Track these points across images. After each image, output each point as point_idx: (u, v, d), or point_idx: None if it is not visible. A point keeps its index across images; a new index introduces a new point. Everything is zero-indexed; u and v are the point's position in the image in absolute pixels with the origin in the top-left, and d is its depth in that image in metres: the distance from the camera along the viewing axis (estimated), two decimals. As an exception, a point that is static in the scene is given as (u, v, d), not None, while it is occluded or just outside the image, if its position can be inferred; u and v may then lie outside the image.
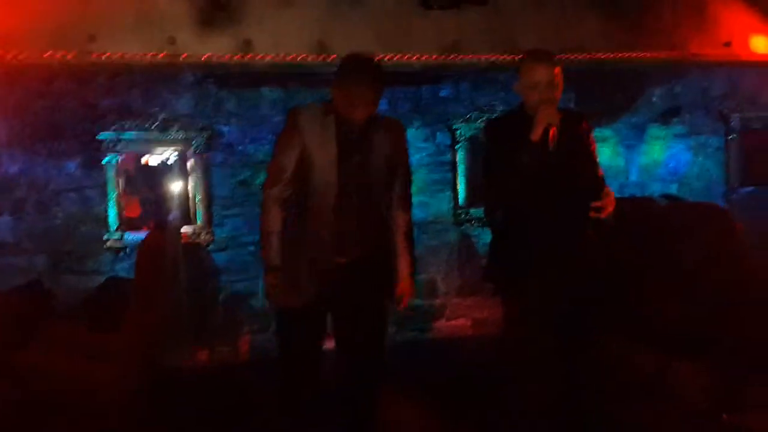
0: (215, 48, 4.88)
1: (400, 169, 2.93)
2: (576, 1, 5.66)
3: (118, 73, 4.85)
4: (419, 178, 5.62)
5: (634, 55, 5.59)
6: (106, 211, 4.91)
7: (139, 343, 3.56)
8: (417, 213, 5.59)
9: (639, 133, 6.09)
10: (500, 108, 5.47)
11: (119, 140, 4.92)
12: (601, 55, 5.54)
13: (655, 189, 6.02)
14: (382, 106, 5.36)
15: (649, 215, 4.64)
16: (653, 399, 3.54)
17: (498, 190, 3.01)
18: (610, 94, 5.92)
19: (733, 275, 3.97)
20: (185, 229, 5.03)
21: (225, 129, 5.15)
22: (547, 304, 2.90)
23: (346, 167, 2.77)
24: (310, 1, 5.18)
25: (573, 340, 2.96)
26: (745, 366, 3.48)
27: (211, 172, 5.11)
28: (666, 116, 6.10)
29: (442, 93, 5.66)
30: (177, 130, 5.02)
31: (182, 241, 4.81)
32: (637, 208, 4.71)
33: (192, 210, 5.13)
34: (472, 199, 5.64)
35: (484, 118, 5.47)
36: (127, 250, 4.85)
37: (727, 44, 5.94)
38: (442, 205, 5.70)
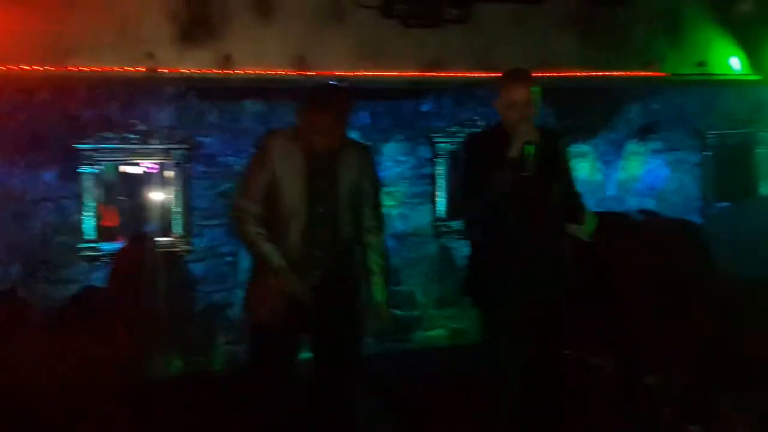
0: (195, 63, 4.90)
1: (369, 194, 2.95)
2: (554, 19, 5.75)
3: (97, 85, 4.85)
4: (400, 191, 5.69)
5: (611, 73, 5.68)
6: (82, 220, 4.89)
7: (115, 352, 3.53)
8: (397, 225, 5.69)
9: (617, 148, 6.19)
10: (481, 123, 5.53)
11: (98, 151, 4.91)
12: (579, 73, 5.62)
13: (633, 204, 6.10)
14: (364, 120, 5.55)
15: (625, 230, 4.70)
16: (622, 411, 3.57)
17: (476, 205, 3.04)
18: (588, 110, 6.01)
19: (704, 291, 4.03)
20: (164, 240, 5.02)
21: (206, 141, 5.16)
22: (521, 316, 2.93)
23: (314, 193, 2.79)
24: (290, 16, 5.22)
25: (545, 353, 2.99)
26: (711, 378, 3.52)
27: (191, 183, 5.11)
28: (643, 132, 6.20)
29: (424, 108, 5.73)
30: (157, 142, 5.02)
31: (160, 251, 4.79)
32: (613, 223, 4.77)
33: (171, 220, 5.11)
34: (451, 212, 5.68)
35: (464, 133, 5.53)
36: (104, 259, 4.82)
37: (701, 64, 6.04)
38: (422, 217, 5.75)
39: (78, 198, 4.89)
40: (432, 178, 5.73)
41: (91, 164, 4.91)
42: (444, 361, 5.06)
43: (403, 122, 5.68)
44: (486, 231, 3.05)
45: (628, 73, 5.72)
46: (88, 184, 4.90)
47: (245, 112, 5.19)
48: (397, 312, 5.63)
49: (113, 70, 4.70)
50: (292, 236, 2.79)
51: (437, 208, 5.73)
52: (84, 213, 4.89)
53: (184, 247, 5.06)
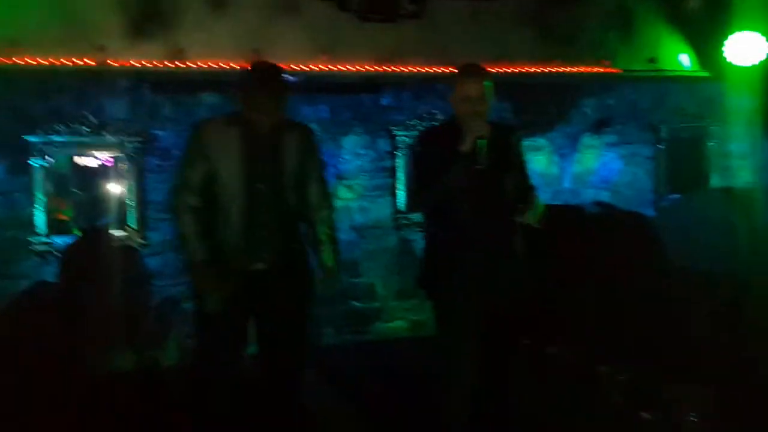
0: (146, 55, 4.82)
1: (312, 172, 2.96)
2: (508, 15, 5.80)
3: (47, 78, 4.74)
4: (360, 183, 5.70)
5: (565, 68, 5.76)
6: (33, 214, 4.79)
7: (68, 347, 3.48)
8: (357, 218, 5.71)
9: (573, 142, 6.29)
10: (440, 116, 5.56)
11: (49, 143, 4.81)
12: (532, 68, 5.69)
13: (588, 196, 6.22)
14: (323, 113, 5.54)
15: (578, 222, 4.79)
16: (576, 398, 3.65)
17: (429, 199, 3.07)
18: (544, 105, 6.10)
19: (655, 283, 4.13)
20: (118, 234, 4.95)
21: (160, 134, 5.10)
22: (475, 308, 2.97)
23: (253, 176, 2.79)
24: (244, 8, 5.17)
25: (498, 343, 3.03)
26: (663, 367, 3.62)
27: (146, 177, 5.04)
28: (598, 126, 6.32)
29: (383, 101, 5.74)
30: (110, 134, 4.95)
31: (114, 245, 4.72)
32: (567, 215, 4.85)
33: (126, 214, 5.03)
34: (411, 204, 5.72)
35: (424, 126, 5.56)
36: (55, 253, 4.73)
37: (652, 60, 6.17)
38: (382, 210, 5.78)
39: (29, 191, 4.79)
40: (392, 171, 5.76)
41: (43, 157, 4.81)
42: (403, 353, 5.09)
43: (363, 116, 5.69)
44: (440, 224, 3.09)
45: (582, 68, 5.81)
46: (39, 177, 4.80)
47: (200, 105, 5.12)
48: (357, 304, 5.69)
49: (62, 62, 4.57)
50: (235, 221, 2.78)
51: (397, 201, 5.76)
52: (35, 206, 4.79)
53: (139, 241, 4.99)
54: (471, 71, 3.03)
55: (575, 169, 6.28)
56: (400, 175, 5.74)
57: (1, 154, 4.78)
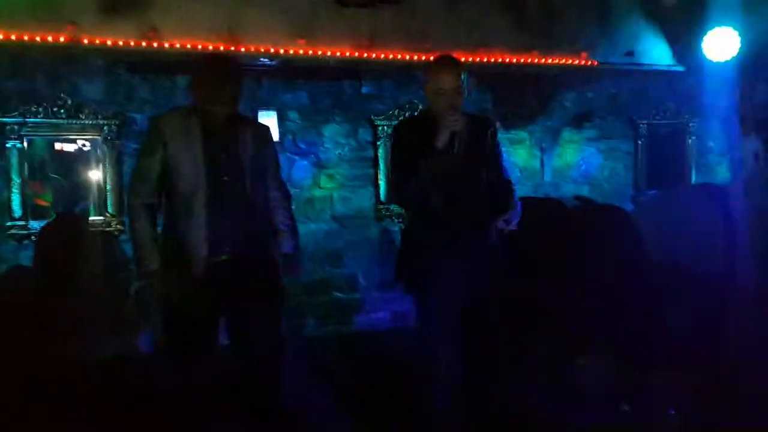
0: (119, 34, 4.69)
1: (269, 163, 2.97)
2: (487, 4, 5.78)
3: (18, 55, 4.62)
4: (340, 173, 5.67)
5: (542, 60, 5.77)
6: (9, 198, 4.69)
7: (44, 333, 3.42)
8: (338, 208, 5.69)
9: (553, 135, 6.31)
10: (420, 106, 5.55)
11: (24, 125, 4.71)
12: (509, 59, 5.68)
13: (568, 190, 6.26)
14: (302, 100, 5.49)
15: (557, 216, 4.82)
16: (556, 390, 3.67)
17: (405, 191, 3.07)
18: (524, 97, 6.12)
19: (633, 276, 4.17)
20: (96, 218, 4.87)
21: (137, 117, 5.00)
22: (451, 300, 2.98)
23: (213, 167, 2.77)
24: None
25: (475, 334, 3.04)
26: (642, 359, 3.66)
27: (123, 161, 4.95)
28: (578, 120, 6.35)
29: (364, 90, 5.71)
30: (87, 116, 4.86)
31: (91, 230, 4.65)
32: (547, 209, 4.88)
33: (104, 199, 4.95)
34: (388, 197, 5.69)
35: (405, 115, 5.56)
36: (32, 238, 4.64)
37: (629, 53, 6.21)
38: (363, 200, 5.75)
39: (5, 174, 4.69)
40: (373, 161, 5.73)
41: (18, 139, 4.71)
42: (386, 344, 5.09)
43: (343, 104, 5.65)
44: (416, 217, 3.09)
45: (559, 59, 5.82)
46: (14, 159, 4.69)
47: (178, 87, 5.03)
48: (339, 295, 5.67)
49: (33, 38, 4.45)
50: (195, 213, 2.76)
51: (379, 191, 5.74)
52: (11, 190, 4.69)
53: (117, 226, 4.91)
54: (444, 63, 3.02)
55: (556, 162, 6.31)
56: (382, 166, 5.71)
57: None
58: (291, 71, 5.32)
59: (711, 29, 5.47)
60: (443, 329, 3.02)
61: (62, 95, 4.81)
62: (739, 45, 5.33)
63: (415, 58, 5.34)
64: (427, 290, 3.03)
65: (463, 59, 3.41)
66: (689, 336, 3.82)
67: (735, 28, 5.35)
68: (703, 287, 4.06)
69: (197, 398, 2.86)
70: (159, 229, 2.88)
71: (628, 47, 6.22)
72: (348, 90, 5.66)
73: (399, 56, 5.37)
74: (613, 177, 6.56)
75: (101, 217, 4.91)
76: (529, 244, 3.88)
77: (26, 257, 4.61)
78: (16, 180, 4.69)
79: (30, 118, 4.72)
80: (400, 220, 5.64)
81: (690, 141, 6.78)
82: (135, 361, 4.42)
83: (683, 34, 6.16)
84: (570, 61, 5.83)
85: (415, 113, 3.61)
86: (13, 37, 4.39)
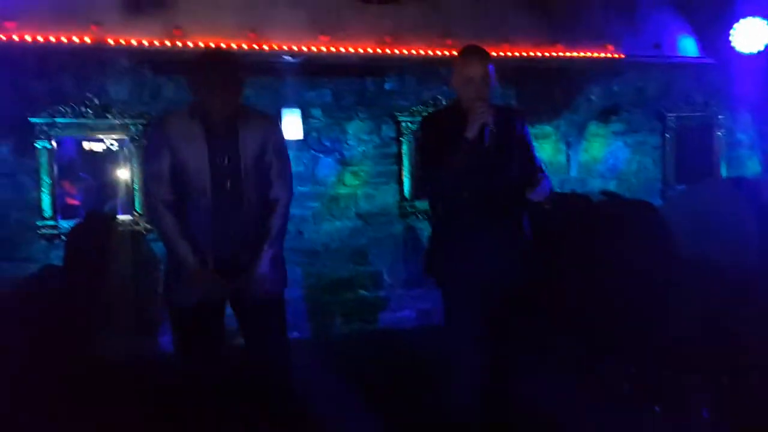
0: (144, 34, 4.73)
1: (275, 156, 2.90)
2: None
3: (45, 56, 4.68)
4: (364, 170, 5.67)
5: (568, 53, 5.70)
6: (39, 197, 4.76)
7: (73, 332, 3.47)
8: (362, 205, 5.69)
9: (579, 130, 6.24)
10: (444, 102, 5.52)
11: (53, 125, 4.77)
12: (534, 53, 5.63)
13: (595, 185, 6.19)
14: (326, 97, 5.49)
15: (585, 210, 4.76)
16: (584, 390, 3.63)
17: (434, 185, 3.04)
18: (548, 91, 6.05)
19: (664, 272, 4.10)
20: (124, 217, 4.92)
21: (163, 116, 5.04)
22: (480, 295, 2.95)
23: (218, 165, 2.76)
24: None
25: (503, 330, 3.02)
26: (672, 360, 3.60)
27: (151, 160, 4.99)
28: (605, 114, 6.27)
29: (387, 86, 5.70)
30: (113, 116, 4.91)
31: (120, 229, 4.70)
32: (574, 203, 4.83)
33: (133, 198, 5.01)
34: (417, 191, 5.69)
35: (428, 111, 5.53)
36: (62, 237, 4.71)
37: (657, 46, 6.11)
38: (387, 197, 5.74)
39: (35, 174, 4.76)
40: (397, 158, 5.72)
41: (47, 139, 4.78)
42: (410, 342, 5.08)
43: (367, 101, 5.64)
44: (446, 210, 3.05)
45: (585, 52, 5.74)
46: (44, 159, 4.76)
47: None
48: (364, 293, 5.68)
49: (59, 40, 4.50)
50: (203, 214, 2.76)
51: (403, 188, 5.72)
52: (41, 190, 4.76)
53: (145, 225, 4.95)
54: (472, 53, 2.99)
55: (582, 157, 6.25)
56: (406, 162, 5.70)
57: (5, 136, 4.74)
58: (314, 69, 5.33)
59: (739, 20, 5.37)
60: (470, 325, 2.99)
61: (89, 95, 4.87)
62: None
63: (439, 53, 5.31)
64: (455, 285, 2.99)
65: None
66: (721, 335, 3.75)
67: (764, 19, 5.24)
68: (735, 284, 3.98)
69: (207, 397, 2.87)
70: None
71: (655, 39, 6.14)
72: (371, 87, 5.65)
73: (422, 52, 5.34)
74: (641, 171, 6.48)
75: (129, 216, 4.96)
76: (556, 242, 3.84)
77: (56, 257, 4.68)
78: (46, 180, 4.77)
79: (58, 118, 4.79)
80: (425, 216, 5.62)
81: (719, 134, 6.67)
82: (160, 360, 4.46)
83: (711, 25, 6.06)
84: (595, 54, 5.76)
85: (443, 105, 3.56)
86: (40, 39, 4.44)
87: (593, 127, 6.29)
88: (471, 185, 2.90)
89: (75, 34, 4.54)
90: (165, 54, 4.76)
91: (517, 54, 5.54)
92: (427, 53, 5.35)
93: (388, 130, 5.71)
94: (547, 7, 5.78)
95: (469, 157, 2.84)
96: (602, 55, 5.80)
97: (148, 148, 2.90)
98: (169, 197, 2.76)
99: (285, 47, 4.99)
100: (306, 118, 5.38)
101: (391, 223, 5.74)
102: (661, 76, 6.39)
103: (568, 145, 6.19)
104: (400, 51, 5.31)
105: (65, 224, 4.74)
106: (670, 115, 6.45)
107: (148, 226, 4.94)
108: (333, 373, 4.25)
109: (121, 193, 5.06)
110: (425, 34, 5.42)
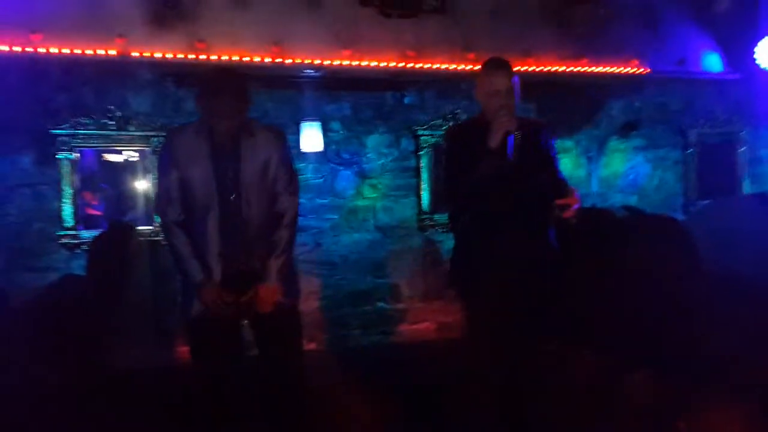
0: (168, 47, 4.79)
1: (281, 169, 2.88)
2: (532, 13, 5.73)
3: (69, 69, 4.74)
4: (383, 183, 5.67)
5: (591, 68, 5.68)
6: (61, 207, 4.80)
7: (94, 340, 3.47)
8: (381, 218, 5.68)
9: (600, 145, 6.21)
10: (464, 116, 5.52)
11: (74, 136, 4.82)
12: (558, 67, 5.61)
13: (616, 200, 6.14)
14: (345, 111, 5.51)
15: (607, 225, 4.71)
16: (606, 404, 3.57)
17: (458, 196, 3.02)
18: (570, 106, 6.02)
19: (687, 287, 4.04)
20: (144, 228, 4.94)
21: (185, 128, 5.08)
22: (504, 308, 2.91)
23: (222, 180, 2.76)
24: (266, 1, 5.14)
25: (526, 344, 2.97)
26: (695, 374, 3.54)
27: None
28: (626, 129, 6.24)
29: (406, 100, 5.71)
30: (135, 128, 4.95)
31: (141, 239, 4.71)
32: (596, 218, 4.78)
33: (151, 208, 5.03)
34: (435, 204, 5.68)
35: (447, 125, 5.52)
36: (83, 247, 4.74)
37: (681, 61, 6.07)
38: (406, 210, 5.73)
39: (56, 184, 4.81)
40: (416, 171, 5.72)
41: (69, 150, 4.82)
42: (430, 354, 5.04)
43: (386, 114, 5.66)
44: (469, 222, 3.02)
45: (609, 67, 5.72)
46: (66, 170, 4.81)
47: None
48: (383, 305, 5.65)
49: (84, 53, 4.56)
50: (210, 229, 2.75)
51: (422, 201, 5.71)
52: (63, 200, 4.80)
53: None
54: (497, 65, 2.97)
55: (603, 172, 6.20)
56: (425, 175, 5.70)
57: (28, 147, 4.79)
58: (335, 82, 5.35)
59: (764, 37, 5.33)
60: (496, 337, 2.94)
61: (111, 107, 4.92)
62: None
63: (461, 67, 5.31)
64: (478, 297, 2.96)
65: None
66: (746, 352, 3.68)
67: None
68: (760, 300, 3.91)
69: (224, 407, 2.85)
70: None
71: (680, 55, 6.10)
72: (390, 100, 5.67)
73: (443, 66, 5.35)
74: (663, 187, 6.42)
75: (149, 227, 4.98)
76: (582, 256, 3.80)
77: (78, 266, 4.70)
78: (67, 190, 4.81)
79: (80, 130, 4.84)
80: (444, 229, 5.60)
81: (741, 150, 6.60)
82: (178, 369, 4.46)
83: (735, 41, 6.02)
84: (621, 69, 5.73)
85: (468, 118, 3.55)
86: (66, 51, 4.50)
87: (614, 142, 6.25)
88: (495, 196, 2.87)
89: (100, 47, 4.60)
90: (188, 67, 4.81)
91: (541, 68, 5.52)
92: (448, 67, 5.35)
93: (407, 144, 5.72)
94: (573, 22, 5.77)
95: (493, 167, 2.82)
96: (627, 70, 5.77)
97: (158, 166, 2.92)
98: (178, 217, 2.78)
99: (308, 61, 5.02)
100: (326, 131, 5.40)
101: (410, 235, 5.72)
102: (684, 92, 6.35)
103: (589, 159, 6.15)
104: (422, 64, 5.32)
105: (86, 234, 4.77)
106: (692, 130, 6.40)
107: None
108: (350, 385, 4.21)
109: (141, 203, 5.08)
110: (446, 48, 5.44)
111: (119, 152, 5.20)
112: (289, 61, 4.98)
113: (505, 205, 2.89)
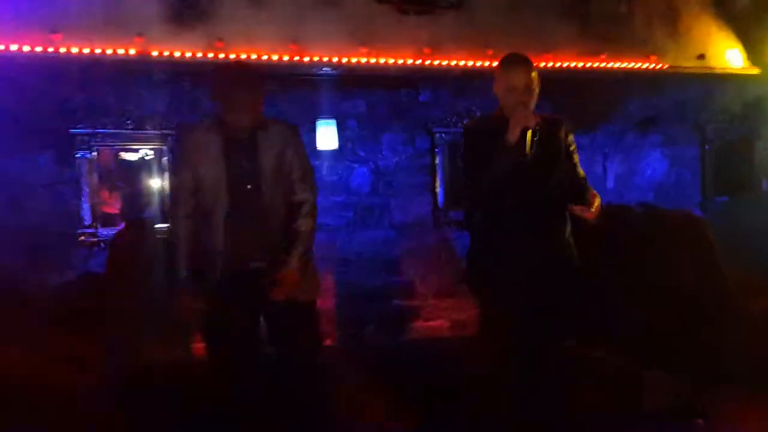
0: (186, 46, 4.82)
1: (295, 161, 2.90)
2: (550, 8, 5.71)
3: (88, 68, 4.78)
4: (398, 180, 5.67)
5: (609, 64, 5.65)
6: (79, 206, 4.85)
7: (113, 339, 3.50)
8: (396, 216, 5.68)
9: (616, 141, 6.17)
10: (478, 113, 5.50)
11: (93, 136, 4.87)
12: (576, 64, 5.58)
13: (632, 197, 6.08)
14: (361, 108, 5.51)
15: (625, 222, 4.68)
16: (625, 404, 3.56)
17: (475, 192, 3.01)
18: (586, 102, 5.97)
19: (706, 284, 4.01)
20: (162, 225, 4.97)
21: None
22: (519, 306, 2.90)
23: (235, 177, 2.79)
24: (283, 1, 5.16)
25: (542, 342, 2.96)
26: (714, 373, 3.52)
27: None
28: (642, 125, 6.18)
29: (422, 97, 5.70)
30: (152, 127, 4.99)
31: (159, 237, 4.74)
32: (613, 215, 4.74)
33: (168, 206, 5.06)
34: (450, 202, 5.67)
35: (462, 123, 5.51)
36: (101, 245, 4.78)
37: (701, 57, 6.02)
38: (421, 208, 5.73)
39: (75, 183, 4.86)
40: (431, 169, 5.71)
41: (88, 149, 4.86)
42: (444, 352, 5.03)
43: (401, 112, 5.66)
44: (486, 218, 3.01)
45: (626, 64, 5.68)
46: (84, 169, 4.85)
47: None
48: (397, 302, 5.66)
49: (103, 52, 4.60)
50: (224, 222, 2.78)
51: (437, 199, 5.71)
52: (81, 199, 4.85)
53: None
54: (516, 60, 2.96)
55: (619, 169, 6.16)
56: (440, 173, 5.69)
57: (47, 147, 4.84)
58: (350, 80, 5.36)
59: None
60: (511, 335, 2.93)
61: (130, 106, 4.96)
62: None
63: (477, 64, 5.30)
64: (496, 294, 2.95)
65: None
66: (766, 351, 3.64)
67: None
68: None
69: (241, 405, 2.87)
70: None
71: (699, 50, 6.04)
72: (405, 98, 5.67)
73: (460, 63, 5.34)
74: (680, 183, 6.37)
75: (166, 225, 5.01)
76: (593, 252, 3.77)
77: (96, 264, 4.75)
78: (86, 189, 4.86)
79: (99, 129, 4.88)
80: (459, 227, 5.59)
81: (759, 146, 6.52)
82: (195, 366, 4.48)
83: (755, 36, 5.95)
84: (639, 65, 5.68)
85: (486, 114, 3.54)
86: (86, 51, 4.54)
87: (630, 139, 6.20)
88: (513, 192, 2.86)
89: (119, 46, 4.64)
90: (207, 66, 4.83)
91: (559, 65, 5.49)
92: (466, 64, 5.34)
93: (422, 142, 5.72)
94: (591, 17, 5.74)
95: (511, 162, 2.80)
96: (646, 65, 5.72)
97: (173, 162, 2.97)
98: (190, 211, 2.82)
99: (325, 59, 5.03)
100: (341, 129, 5.41)
101: (425, 233, 5.72)
102: (702, 87, 6.28)
103: (605, 156, 6.11)
104: (438, 61, 5.31)
105: (104, 232, 4.81)
106: (710, 126, 6.34)
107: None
108: (365, 382, 4.22)
109: (156, 201, 5.12)
110: (463, 45, 5.44)
111: (136, 151, 5.24)
112: (306, 59, 4.99)
113: (522, 202, 2.88)
